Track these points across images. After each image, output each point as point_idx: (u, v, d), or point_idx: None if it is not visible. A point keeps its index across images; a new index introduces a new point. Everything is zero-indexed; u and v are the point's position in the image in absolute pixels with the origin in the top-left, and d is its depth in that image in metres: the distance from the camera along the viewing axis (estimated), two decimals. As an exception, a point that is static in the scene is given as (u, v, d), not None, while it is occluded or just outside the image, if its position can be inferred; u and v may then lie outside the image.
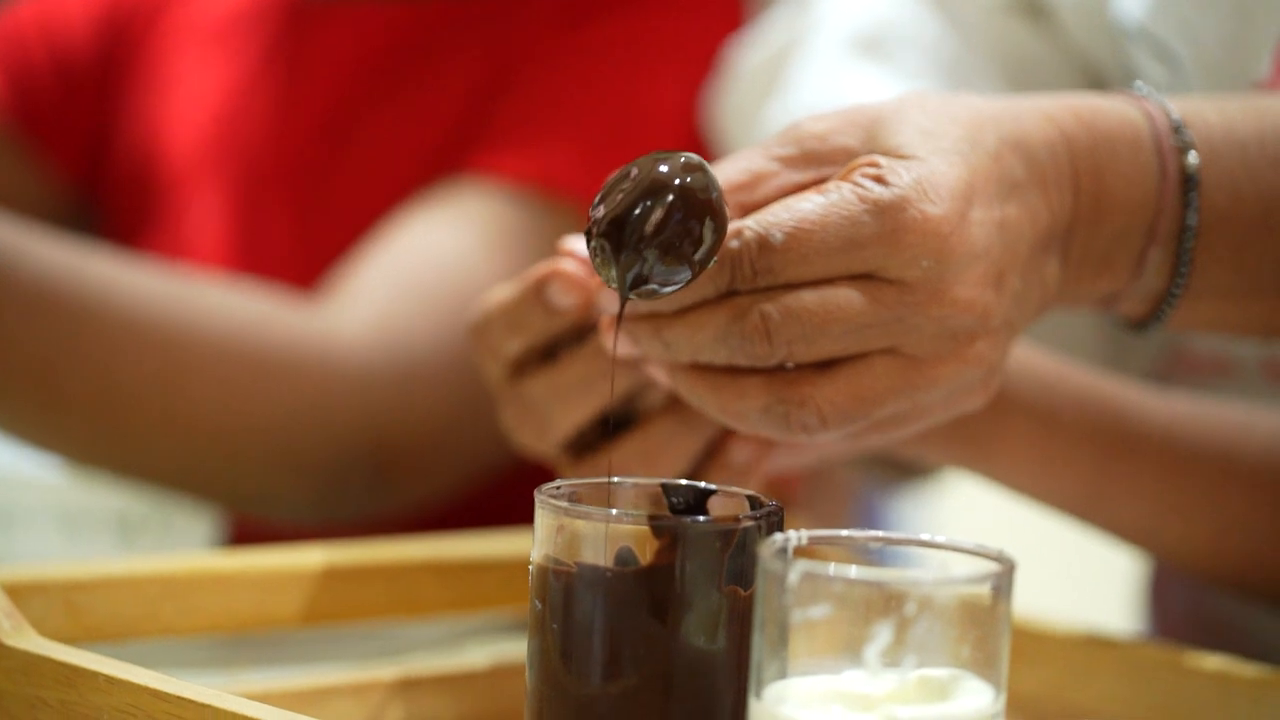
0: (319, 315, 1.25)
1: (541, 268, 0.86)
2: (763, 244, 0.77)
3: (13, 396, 1.18)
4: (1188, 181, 0.81)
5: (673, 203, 0.76)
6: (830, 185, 0.78)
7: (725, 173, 0.80)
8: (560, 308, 0.85)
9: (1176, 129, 0.82)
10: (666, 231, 0.76)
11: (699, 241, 0.76)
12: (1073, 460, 0.91)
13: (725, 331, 0.77)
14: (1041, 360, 0.92)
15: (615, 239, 0.76)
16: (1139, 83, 0.85)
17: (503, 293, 0.88)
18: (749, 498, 0.78)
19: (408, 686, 0.87)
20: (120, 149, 1.50)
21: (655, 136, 1.32)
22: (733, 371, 0.79)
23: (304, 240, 1.41)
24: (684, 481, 0.80)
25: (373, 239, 1.34)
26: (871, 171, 0.77)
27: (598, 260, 0.77)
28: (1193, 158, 0.82)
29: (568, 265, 0.85)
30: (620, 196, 0.77)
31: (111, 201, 1.49)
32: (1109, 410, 0.91)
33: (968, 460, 0.92)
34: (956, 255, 0.77)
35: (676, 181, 0.76)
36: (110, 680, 0.76)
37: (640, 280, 0.77)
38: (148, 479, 1.24)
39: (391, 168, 1.40)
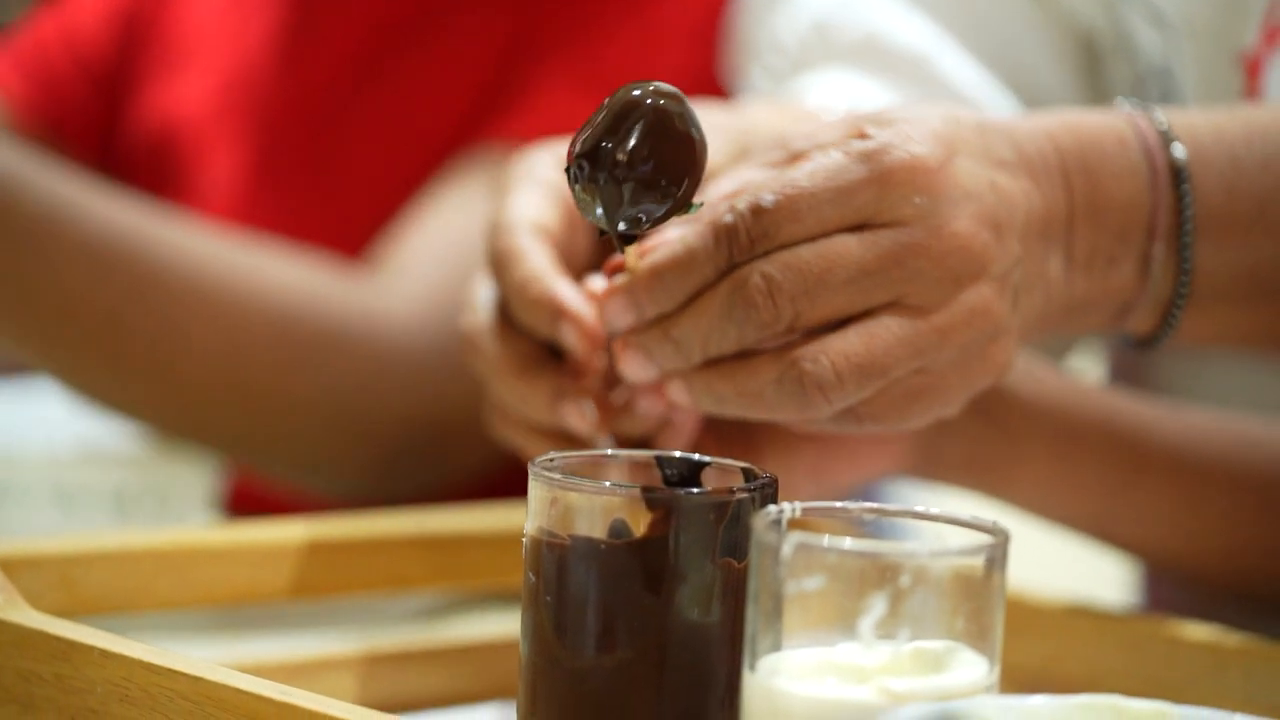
0: (370, 289, 1.27)
1: (563, 299, 0.84)
2: (754, 209, 0.77)
3: (77, 350, 1.20)
4: (1178, 175, 0.82)
5: (646, 122, 0.76)
6: (815, 151, 0.78)
7: (720, 187, 0.80)
8: (564, 344, 0.85)
9: (1161, 131, 0.83)
10: (641, 148, 0.76)
11: (678, 159, 0.77)
12: (1088, 483, 0.92)
13: (729, 304, 0.77)
14: (1056, 380, 0.92)
15: (592, 160, 0.76)
16: (1120, 98, 0.86)
17: (531, 267, 0.85)
18: (743, 470, 0.78)
19: (400, 659, 0.87)
20: (137, 122, 1.52)
21: None
22: (745, 355, 0.79)
23: (320, 197, 1.43)
24: (678, 454, 0.80)
25: (411, 211, 1.36)
26: (854, 133, 0.78)
27: (578, 189, 0.77)
28: (1179, 151, 0.82)
29: (583, 311, 0.84)
30: (594, 123, 0.77)
31: (131, 174, 1.51)
32: (1124, 430, 0.92)
33: (986, 486, 0.92)
34: (947, 189, 0.77)
35: (649, 103, 0.77)
36: (104, 654, 0.77)
37: (625, 209, 0.77)
38: (208, 441, 1.26)
39: (408, 125, 1.41)
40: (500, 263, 0.86)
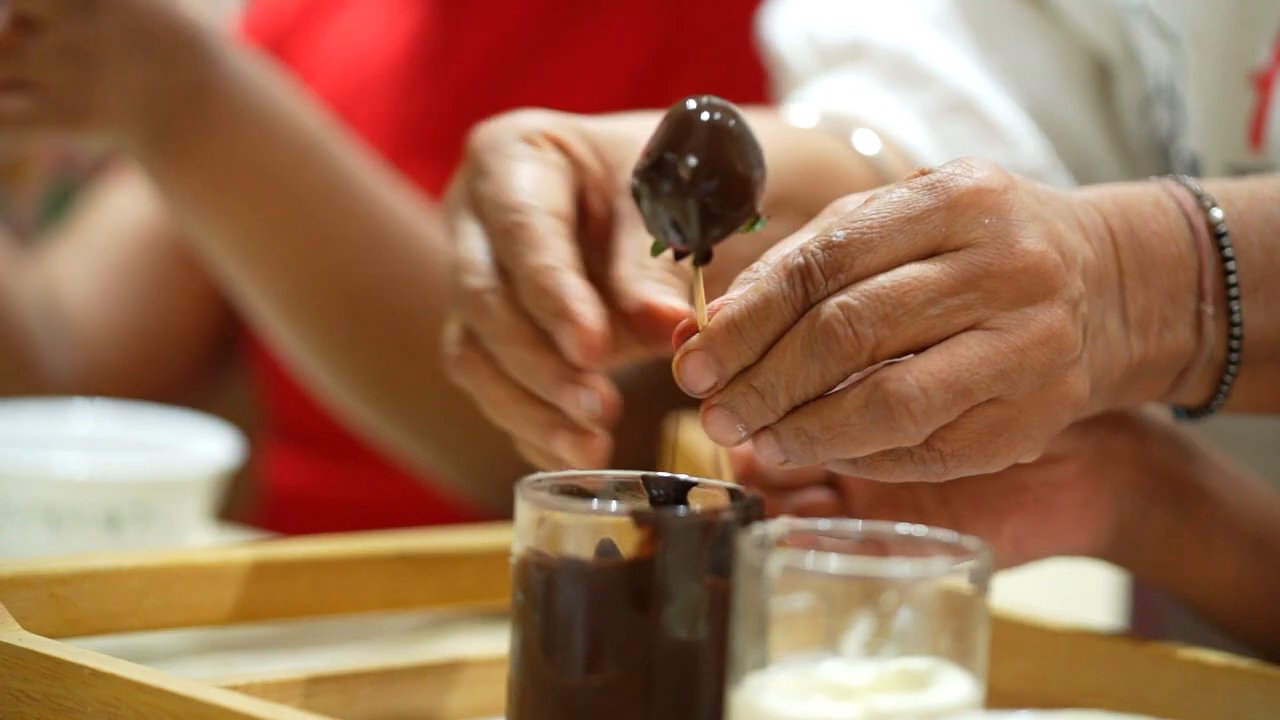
0: None
1: (571, 300, 0.84)
2: (826, 245, 0.76)
3: (280, 232, 1.27)
4: (1220, 237, 0.83)
5: (709, 135, 0.78)
6: (879, 191, 0.78)
7: (779, 251, 0.79)
8: (560, 344, 0.84)
9: (1196, 195, 0.83)
10: (706, 162, 0.78)
11: (744, 171, 0.78)
12: (1275, 591, 0.91)
13: (809, 339, 0.76)
14: (1254, 482, 0.92)
15: (659, 175, 0.78)
16: (1153, 178, 0.86)
17: (548, 258, 0.85)
18: (729, 490, 0.79)
19: (388, 678, 0.87)
20: None
21: None
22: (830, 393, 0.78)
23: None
24: (665, 474, 0.80)
25: None
26: (914, 172, 0.78)
27: (645, 204, 0.78)
28: (1217, 213, 0.83)
29: (589, 315, 0.84)
30: (655, 139, 0.78)
31: None
32: None
33: (1179, 584, 0.92)
34: (1015, 209, 0.77)
35: (706, 117, 0.78)
36: (94, 673, 0.77)
37: (694, 222, 0.78)
38: (343, 377, 1.31)
39: None
40: (510, 239, 0.85)
